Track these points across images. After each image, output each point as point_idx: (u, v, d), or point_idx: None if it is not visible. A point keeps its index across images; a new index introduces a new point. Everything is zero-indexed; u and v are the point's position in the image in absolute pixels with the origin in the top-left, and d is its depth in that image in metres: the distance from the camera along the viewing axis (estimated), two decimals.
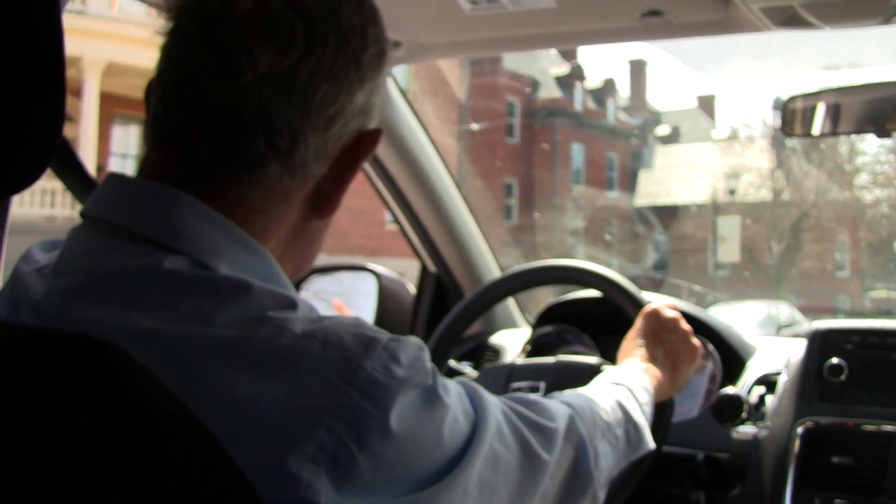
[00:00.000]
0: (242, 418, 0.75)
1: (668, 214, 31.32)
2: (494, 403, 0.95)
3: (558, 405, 1.11)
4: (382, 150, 2.13)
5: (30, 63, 0.73)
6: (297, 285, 2.39)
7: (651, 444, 1.30)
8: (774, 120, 29.15)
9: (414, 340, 0.86)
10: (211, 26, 0.86)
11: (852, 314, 23.91)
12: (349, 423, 0.76)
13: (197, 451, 0.71)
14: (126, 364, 0.71)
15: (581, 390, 1.29)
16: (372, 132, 0.96)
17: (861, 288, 29.30)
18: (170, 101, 0.89)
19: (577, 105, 32.43)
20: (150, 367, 0.73)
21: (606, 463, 1.15)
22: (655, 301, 1.65)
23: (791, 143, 28.22)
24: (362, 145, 0.95)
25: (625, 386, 1.35)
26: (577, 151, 31.60)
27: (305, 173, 0.91)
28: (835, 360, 1.79)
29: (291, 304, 0.83)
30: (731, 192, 29.75)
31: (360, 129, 0.94)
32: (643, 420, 1.30)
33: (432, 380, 0.85)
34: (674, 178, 31.93)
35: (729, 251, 28.32)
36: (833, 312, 24.70)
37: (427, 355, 0.87)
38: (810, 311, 22.45)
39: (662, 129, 31.03)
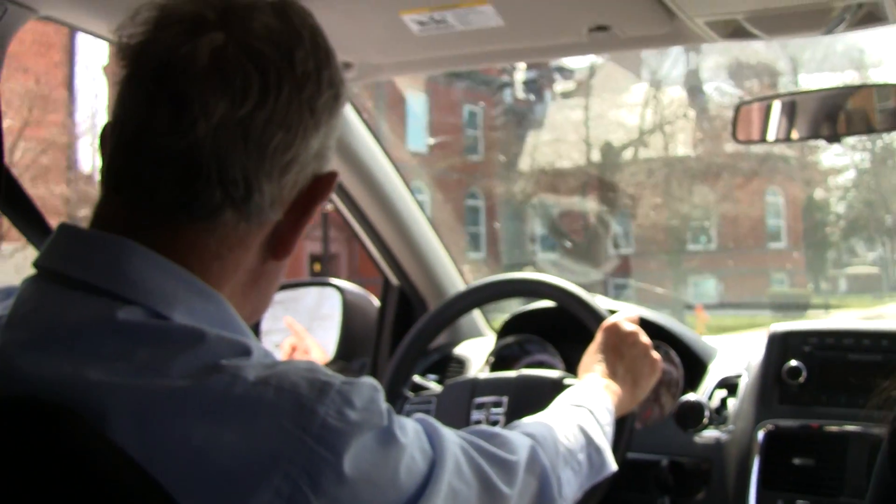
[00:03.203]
0: (199, 468, 0.75)
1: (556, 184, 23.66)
2: (452, 440, 0.96)
3: (519, 436, 1.11)
4: (338, 166, 2.13)
5: None
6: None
7: (613, 466, 1.31)
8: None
9: (368, 382, 0.86)
10: (167, 76, 0.86)
11: (792, 301, 20.82)
12: (304, 468, 0.77)
13: None
14: (71, 423, 0.71)
15: (542, 416, 1.30)
16: (327, 175, 0.96)
17: (804, 263, 23.49)
18: (126, 149, 0.89)
19: None
20: (105, 419, 0.74)
21: (570, 490, 1.17)
22: (616, 314, 1.66)
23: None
24: (318, 189, 0.95)
25: (586, 407, 1.36)
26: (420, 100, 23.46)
27: (261, 220, 0.91)
28: (793, 362, 1.81)
29: (245, 351, 0.84)
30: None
31: (316, 173, 0.95)
32: (605, 443, 1.31)
33: (387, 420, 0.86)
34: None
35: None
36: (760, 304, 21.14)
37: (381, 396, 0.87)
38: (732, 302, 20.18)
39: (564, 85, 24.43)
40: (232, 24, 0.88)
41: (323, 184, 0.96)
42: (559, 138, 22.62)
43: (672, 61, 22.32)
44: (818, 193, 23.77)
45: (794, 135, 1.84)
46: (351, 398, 0.82)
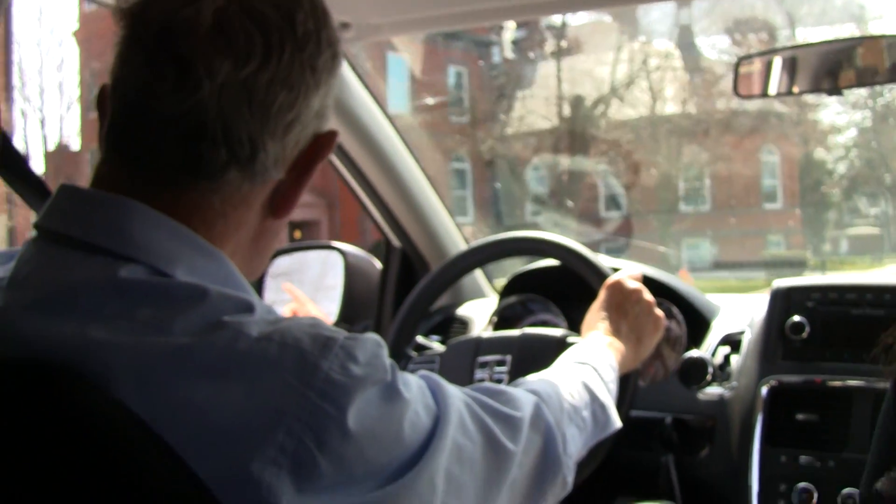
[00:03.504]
0: (203, 425, 0.75)
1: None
2: (457, 395, 0.96)
3: (523, 393, 1.12)
4: (338, 127, 2.12)
5: None
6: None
7: (618, 423, 1.31)
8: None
9: (371, 337, 0.87)
10: (170, 38, 0.86)
11: (792, 263, 19.52)
12: (308, 424, 0.77)
13: (152, 464, 0.72)
14: (75, 384, 0.72)
15: (546, 374, 1.30)
16: (327, 134, 0.97)
17: (801, 222, 22.19)
18: (129, 112, 0.89)
19: None
20: (109, 379, 0.74)
21: (575, 447, 1.17)
22: (619, 272, 1.66)
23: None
24: (319, 148, 0.96)
25: (590, 365, 1.36)
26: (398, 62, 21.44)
27: (265, 179, 0.92)
28: (796, 317, 1.80)
29: (248, 308, 0.84)
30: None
31: (316, 131, 0.96)
32: (609, 399, 1.31)
33: (391, 376, 0.86)
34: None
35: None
36: (755, 264, 20.09)
37: (385, 352, 0.88)
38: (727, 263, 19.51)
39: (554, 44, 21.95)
40: None
41: (323, 142, 0.96)
42: (549, 97, 21.94)
43: (663, 16, 21.73)
44: (816, 152, 22.84)
45: (796, 89, 1.82)
46: (354, 353, 0.83)
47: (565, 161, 21.27)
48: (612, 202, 21.85)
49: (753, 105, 18.73)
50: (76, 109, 22.87)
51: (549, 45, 22.03)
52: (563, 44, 21.60)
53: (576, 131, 21.16)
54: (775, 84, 1.79)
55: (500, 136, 22.51)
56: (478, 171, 23.18)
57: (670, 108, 22.03)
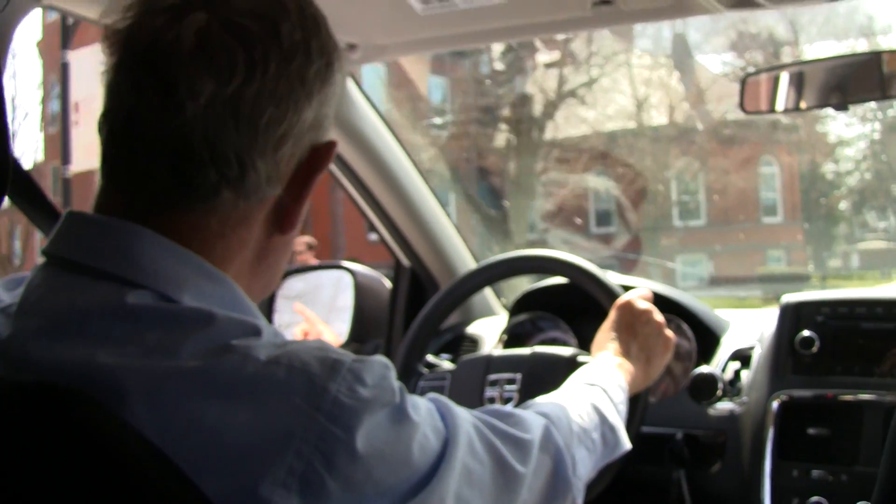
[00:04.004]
0: (212, 447, 0.75)
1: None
2: (466, 418, 0.96)
3: (533, 416, 1.11)
4: (344, 148, 2.13)
5: None
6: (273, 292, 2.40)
7: (627, 444, 1.31)
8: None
9: (379, 360, 0.87)
10: (154, 61, 0.85)
11: (794, 278, 18.52)
12: (317, 446, 0.77)
13: (161, 486, 0.72)
14: (85, 407, 0.72)
15: (555, 396, 1.30)
16: (326, 145, 0.96)
17: (803, 237, 21.11)
18: (118, 138, 0.89)
19: None
20: (118, 402, 0.75)
21: (584, 469, 1.16)
22: (629, 292, 1.66)
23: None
24: (317, 160, 0.95)
25: (599, 386, 1.35)
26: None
27: (261, 196, 0.91)
28: (806, 332, 1.80)
29: (255, 331, 0.84)
30: None
31: (313, 143, 0.94)
32: (619, 421, 1.31)
33: (400, 398, 0.86)
34: None
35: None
36: (752, 281, 18.99)
37: (393, 374, 0.87)
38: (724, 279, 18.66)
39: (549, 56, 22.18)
40: (215, 2, 0.87)
41: (321, 154, 0.95)
42: (545, 111, 21.21)
43: (661, 28, 21.15)
44: (823, 164, 21.67)
45: (804, 104, 1.83)
46: (362, 375, 0.82)
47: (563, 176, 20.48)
48: (605, 218, 21.09)
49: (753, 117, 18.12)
50: (36, 122, 22.67)
51: (544, 56, 21.24)
52: (556, 56, 20.80)
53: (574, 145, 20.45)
54: (782, 100, 1.79)
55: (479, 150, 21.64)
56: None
57: (665, 118, 21.07)
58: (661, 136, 20.67)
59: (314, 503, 0.76)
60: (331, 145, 0.96)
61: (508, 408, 1.12)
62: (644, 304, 1.61)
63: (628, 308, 1.61)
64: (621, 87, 20.80)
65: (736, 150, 20.58)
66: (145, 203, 0.88)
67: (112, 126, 0.89)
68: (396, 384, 0.87)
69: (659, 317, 1.60)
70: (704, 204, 21.37)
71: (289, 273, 2.45)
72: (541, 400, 1.27)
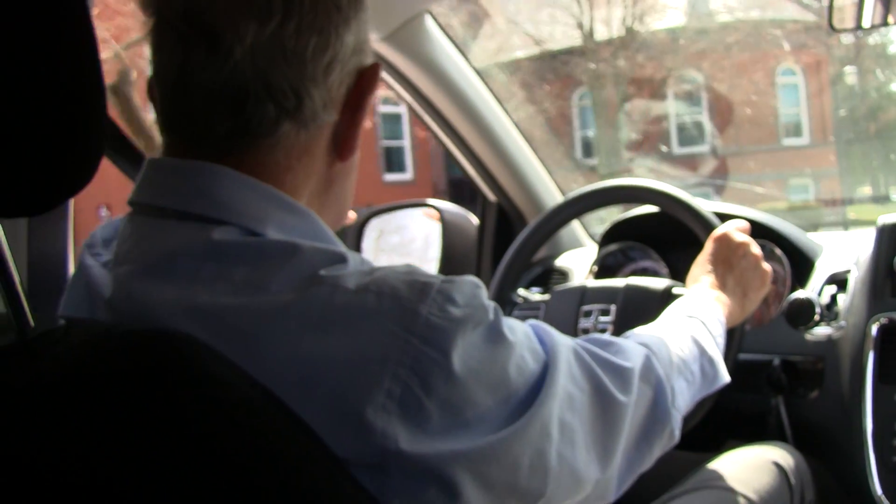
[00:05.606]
0: (309, 379, 0.77)
1: None
2: (565, 343, 0.95)
3: (633, 345, 1.11)
4: (426, 86, 2.13)
5: (67, 64, 0.75)
6: (360, 231, 2.42)
7: (726, 377, 1.30)
8: None
9: (469, 279, 0.87)
10: (194, 14, 0.87)
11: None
12: (413, 369, 0.78)
13: (277, 427, 0.74)
14: (196, 351, 0.74)
15: (655, 327, 1.29)
16: (371, 67, 0.97)
17: (837, 163, 17.01)
18: (172, 93, 0.91)
19: None
20: (217, 342, 0.76)
21: (683, 401, 1.16)
22: (726, 224, 1.63)
23: None
24: (365, 82, 0.96)
25: (698, 318, 1.34)
26: None
27: (319, 124, 0.92)
28: None
29: (341, 259, 0.85)
30: None
31: (359, 67, 0.95)
32: (718, 354, 1.30)
33: (494, 317, 0.86)
34: None
35: None
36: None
37: (484, 293, 0.87)
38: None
39: None
40: None
41: (368, 76, 0.96)
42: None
43: None
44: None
45: (892, 19, 1.77)
46: (452, 295, 0.82)
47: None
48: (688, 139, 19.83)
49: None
50: None
51: None
52: None
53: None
54: (869, 15, 1.74)
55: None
56: None
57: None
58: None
59: (416, 426, 0.77)
60: (375, 67, 0.97)
61: (608, 336, 1.12)
62: (741, 237, 1.58)
63: (725, 240, 1.58)
64: None
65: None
66: (211, 149, 0.89)
67: (165, 83, 0.91)
68: (489, 303, 0.86)
69: (756, 250, 1.57)
70: (807, 122, 18.93)
71: (372, 214, 2.47)
72: (640, 330, 1.26)
